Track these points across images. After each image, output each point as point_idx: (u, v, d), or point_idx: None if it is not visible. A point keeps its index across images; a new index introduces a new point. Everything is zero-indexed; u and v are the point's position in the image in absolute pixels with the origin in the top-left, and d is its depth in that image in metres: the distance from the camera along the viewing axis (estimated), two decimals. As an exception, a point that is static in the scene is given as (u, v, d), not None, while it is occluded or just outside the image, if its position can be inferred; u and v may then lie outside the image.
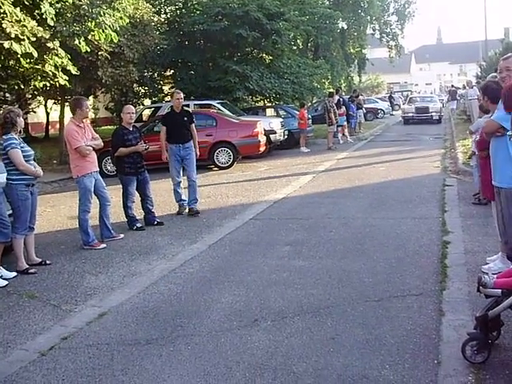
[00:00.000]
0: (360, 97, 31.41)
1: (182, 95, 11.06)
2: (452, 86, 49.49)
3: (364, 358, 4.46)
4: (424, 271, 6.41)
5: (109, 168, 16.23)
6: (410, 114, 33.95)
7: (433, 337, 4.76)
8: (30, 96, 23.10)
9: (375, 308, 5.44)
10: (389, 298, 5.66)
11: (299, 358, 4.52)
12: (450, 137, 22.35)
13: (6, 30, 12.59)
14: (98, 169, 8.82)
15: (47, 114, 28.98)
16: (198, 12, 26.75)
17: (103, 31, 15.47)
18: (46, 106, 28.05)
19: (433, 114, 33.48)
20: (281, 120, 21.97)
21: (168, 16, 27.62)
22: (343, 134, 24.47)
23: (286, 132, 21.61)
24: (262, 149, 18.34)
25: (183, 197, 10.91)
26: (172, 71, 28.05)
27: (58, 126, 24.87)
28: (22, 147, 7.35)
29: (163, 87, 28.53)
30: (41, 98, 25.57)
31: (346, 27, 43.45)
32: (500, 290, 4.26)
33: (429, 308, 5.36)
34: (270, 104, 29.20)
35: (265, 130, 18.82)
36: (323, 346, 4.72)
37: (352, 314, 5.35)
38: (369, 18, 44.05)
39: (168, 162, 10.97)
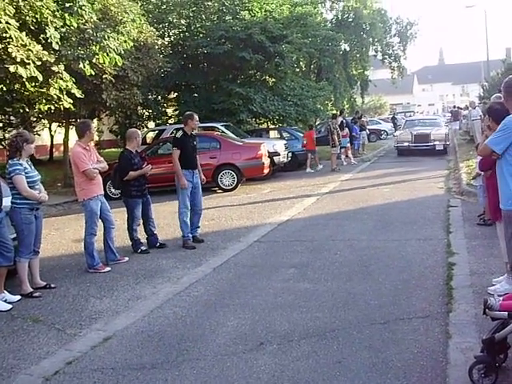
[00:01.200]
0: (363, 118, 31.52)
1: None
2: (454, 106, 49.61)
3: (371, 381, 4.44)
4: (430, 293, 6.39)
5: (113, 191, 16.24)
6: (406, 144, 25.86)
7: (440, 360, 4.73)
8: (35, 119, 23.22)
9: (381, 331, 5.41)
10: (395, 321, 5.64)
11: (305, 382, 4.50)
12: (453, 157, 22.35)
13: (12, 54, 12.70)
14: (103, 192, 8.84)
15: (51, 136, 29.05)
16: (201, 35, 26.95)
17: (107, 55, 15.59)
18: (50, 128, 28.14)
19: (436, 143, 25.26)
20: (284, 142, 22.04)
21: (172, 39, 27.82)
22: (346, 156, 24.51)
23: (290, 154, 21.65)
24: (266, 171, 18.36)
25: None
26: (176, 94, 28.21)
27: (62, 148, 24.95)
28: (26, 172, 7.37)
29: (167, 110, 28.65)
30: (45, 121, 25.66)
31: (348, 49, 43.67)
32: (506, 313, 4.24)
33: (435, 331, 5.34)
34: (273, 126, 29.31)
35: (268, 152, 18.84)
36: (329, 369, 4.69)
37: (358, 337, 5.32)
38: (371, 39, 44.27)
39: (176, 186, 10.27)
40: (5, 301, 7.03)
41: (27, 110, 17.74)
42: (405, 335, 5.27)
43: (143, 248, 9.65)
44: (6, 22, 12.49)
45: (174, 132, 21.59)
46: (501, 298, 4.39)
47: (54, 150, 29.66)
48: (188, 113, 10.64)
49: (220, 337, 5.57)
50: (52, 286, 7.77)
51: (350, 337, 5.33)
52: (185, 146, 10.05)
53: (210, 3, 26.93)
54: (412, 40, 47.22)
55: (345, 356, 4.92)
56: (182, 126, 10.52)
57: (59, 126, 26.09)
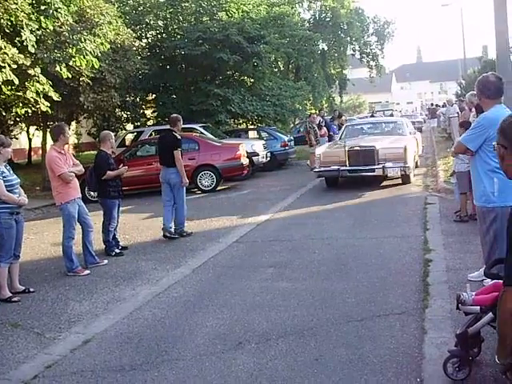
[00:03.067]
0: (342, 117, 31.67)
1: None
2: (432, 104, 49.98)
3: (348, 378, 4.50)
4: (406, 290, 6.47)
5: (92, 193, 16.20)
6: (335, 167, 14.99)
7: (415, 355, 4.80)
8: (12, 123, 23.09)
9: (358, 328, 5.48)
10: (372, 318, 5.71)
11: (283, 380, 4.55)
12: (431, 155, 22.54)
13: (-13, 57, 12.64)
14: (81, 195, 8.83)
15: (29, 140, 28.88)
16: (178, 36, 26.93)
17: (84, 57, 15.57)
18: (28, 132, 27.97)
19: (387, 164, 14.48)
20: (263, 142, 22.11)
21: (149, 41, 27.78)
22: (326, 155, 24.57)
23: (269, 154, 21.72)
24: (245, 171, 18.42)
25: None
26: (154, 95, 28.16)
27: (40, 152, 24.82)
28: (4, 176, 7.35)
29: (145, 111, 28.60)
30: (23, 125, 25.54)
31: (326, 48, 43.89)
32: (479, 307, 4.32)
33: (411, 326, 5.41)
34: (252, 126, 29.37)
35: (247, 153, 18.90)
36: (307, 367, 4.74)
37: (335, 334, 5.39)
38: (349, 38, 44.49)
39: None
40: (-17, 306, 7.01)
41: (4, 113, 17.67)
42: (381, 331, 5.34)
43: (117, 251, 9.66)
44: (-19, 26, 12.43)
45: (153, 134, 21.66)
46: (473, 293, 4.47)
47: (32, 153, 29.48)
48: (175, 115, 11.29)
49: (199, 337, 5.60)
50: (31, 290, 7.75)
51: (328, 334, 5.39)
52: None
53: (186, 4, 26.90)
54: (389, 39, 47.51)
55: (322, 353, 4.98)
56: (169, 127, 11.16)
57: (37, 129, 25.93)
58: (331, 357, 4.89)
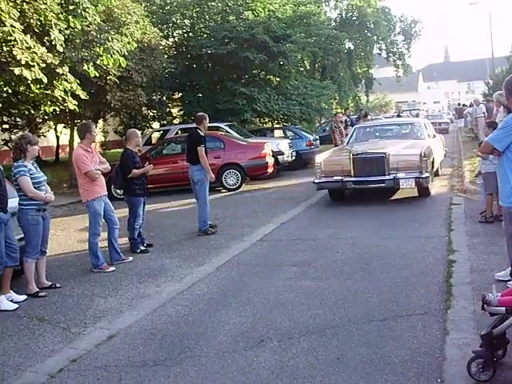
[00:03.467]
0: (368, 116, 31.55)
1: None
2: (459, 104, 49.56)
3: (369, 377, 4.51)
4: (429, 290, 6.46)
5: (118, 191, 16.38)
6: (338, 178, 12.80)
7: (437, 356, 4.80)
8: (40, 120, 23.39)
9: (380, 327, 5.49)
10: (394, 318, 5.71)
11: (304, 379, 4.58)
12: (457, 155, 22.37)
13: (17, 56, 12.83)
14: (107, 192, 8.94)
15: (57, 137, 29.22)
16: (205, 35, 27.03)
17: (111, 56, 15.74)
18: (56, 130, 28.30)
19: (400, 175, 12.32)
20: (288, 141, 22.11)
21: (176, 40, 27.95)
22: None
23: (294, 153, 21.73)
24: (270, 170, 18.45)
25: None
26: (180, 94, 28.32)
27: (67, 149, 25.12)
28: (31, 174, 7.48)
29: (172, 110, 28.77)
30: (51, 123, 25.84)
31: (352, 47, 43.78)
32: (504, 308, 4.31)
33: (433, 327, 5.41)
34: (277, 125, 29.39)
35: (272, 152, 18.94)
36: (328, 365, 4.77)
37: (357, 333, 5.40)
38: (375, 37, 44.35)
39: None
40: (11, 300, 7.15)
41: (32, 111, 17.93)
42: (403, 332, 5.34)
43: (142, 248, 9.75)
44: (11, 26, 12.63)
45: (179, 132, 21.81)
46: (499, 294, 4.46)
47: (59, 151, 29.82)
48: (201, 113, 11.51)
49: (221, 334, 5.66)
50: (57, 285, 7.88)
51: (349, 334, 5.41)
52: (205, 143, 11.04)
53: (213, 3, 27.01)
54: (416, 38, 47.30)
55: (343, 352, 5.00)
56: (194, 125, 11.37)
57: (65, 127, 26.24)
58: (352, 356, 4.91)
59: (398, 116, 48.54)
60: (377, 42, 45.58)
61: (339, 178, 12.63)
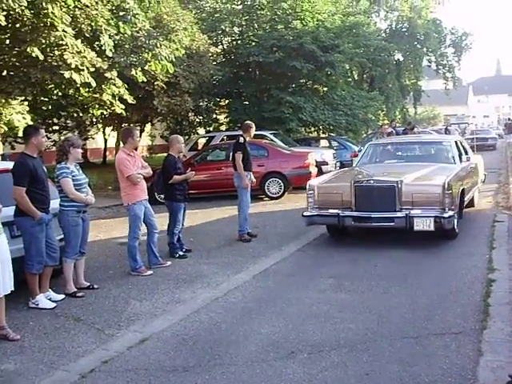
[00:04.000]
0: (415, 129, 31.20)
1: None
2: (509, 119, 48.63)
3: (397, 394, 4.47)
4: (465, 309, 6.35)
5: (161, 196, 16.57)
6: (333, 211, 10.01)
7: (468, 377, 4.71)
8: (89, 123, 23.86)
9: (413, 345, 5.42)
10: (427, 336, 5.63)
11: (332, 392, 4.56)
12: (504, 171, 21.96)
13: (67, 60, 13.12)
14: (148, 197, 9.05)
15: (105, 140, 29.73)
16: (253, 43, 27.18)
17: (159, 62, 15.94)
18: (104, 132, 28.80)
19: (414, 212, 9.45)
20: (333, 151, 22.03)
21: (224, 47, 28.21)
22: (396, 166, 24.27)
23: (338, 163, 21.63)
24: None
25: None
26: (227, 101, 28.51)
27: (114, 152, 25.53)
28: (73, 176, 7.63)
29: (218, 117, 28.98)
30: (99, 125, 26.32)
31: (401, 59, 43.44)
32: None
33: (467, 347, 5.31)
34: (323, 135, 29.32)
35: (316, 162, 18.88)
36: (357, 381, 4.73)
37: (389, 350, 5.34)
38: (425, 49, 43.91)
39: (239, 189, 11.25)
40: (50, 299, 7.29)
41: (81, 114, 18.31)
42: (436, 350, 5.26)
43: (180, 253, 9.83)
44: (63, 30, 12.92)
45: (225, 139, 21.98)
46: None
47: (107, 153, 30.33)
48: (248, 122, 11.81)
49: (252, 344, 5.67)
50: (95, 286, 8.00)
51: (381, 349, 5.36)
52: (246, 150, 11.17)
53: (262, 12, 27.16)
54: (467, 50, 46.63)
55: (373, 368, 4.96)
56: (241, 132, 11.71)
57: (112, 130, 26.71)
58: (382, 372, 4.86)
59: (446, 129, 48.12)
60: (426, 54, 45.11)
61: (335, 211, 9.85)
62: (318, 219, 10.24)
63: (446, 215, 9.24)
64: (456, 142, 12.48)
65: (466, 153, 12.63)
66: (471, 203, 12.71)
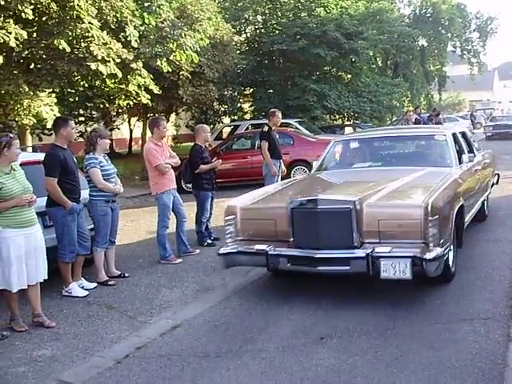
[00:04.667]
0: (440, 115, 30.98)
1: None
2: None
3: (426, 380, 4.51)
4: (494, 295, 6.36)
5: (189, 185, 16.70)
6: (259, 249, 6.59)
7: (498, 362, 4.74)
8: (115, 114, 24.07)
9: (442, 330, 5.46)
10: (456, 321, 5.66)
11: (362, 377, 4.62)
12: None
13: (94, 52, 13.28)
14: (176, 186, 9.15)
15: (130, 130, 29.94)
16: (276, 32, 27.19)
17: (184, 52, 16.03)
18: (129, 123, 29.01)
19: (380, 253, 6.01)
20: (358, 139, 21.94)
21: (248, 36, 28.24)
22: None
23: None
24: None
25: None
26: (251, 90, 28.56)
27: (140, 142, 25.75)
28: (102, 166, 7.75)
29: (242, 105, 29.03)
30: (125, 116, 26.53)
31: (425, 45, 43.06)
32: None
33: (496, 333, 5.33)
34: (347, 122, 29.24)
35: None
36: (387, 366, 4.79)
37: (418, 335, 5.39)
38: (449, 35, 43.49)
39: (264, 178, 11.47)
40: (82, 287, 7.43)
41: (107, 105, 18.53)
42: (465, 336, 5.30)
43: (209, 241, 9.92)
44: (89, 22, 13.06)
45: (250, 127, 22.04)
46: None
47: (133, 143, 30.55)
48: (273, 110, 11.90)
49: (283, 329, 5.75)
50: (126, 275, 8.13)
51: (410, 335, 5.40)
52: (271, 138, 11.31)
53: (285, 0, 27.10)
54: (492, 35, 46.10)
55: (403, 353, 5.00)
56: (266, 121, 11.90)
57: (138, 120, 26.90)
58: (412, 357, 4.91)
59: (472, 115, 47.69)
60: (451, 40, 44.68)
61: (263, 247, 6.57)
62: (242, 259, 6.85)
63: (429, 255, 5.85)
64: (454, 136, 9.09)
65: (471, 149, 9.67)
66: (481, 216, 9.83)
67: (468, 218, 7.97)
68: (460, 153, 8.76)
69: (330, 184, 8.13)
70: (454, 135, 9.09)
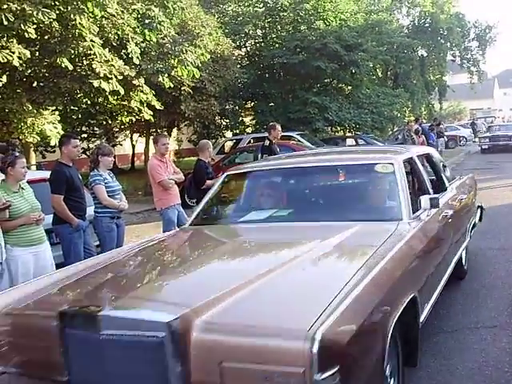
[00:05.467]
0: (441, 125, 31.07)
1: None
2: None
3: (434, 388, 4.55)
4: (499, 303, 6.40)
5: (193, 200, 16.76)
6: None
7: (505, 370, 4.77)
8: (117, 130, 24.21)
9: (448, 339, 5.50)
10: (462, 330, 5.70)
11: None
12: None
13: (96, 69, 13.38)
14: (180, 201, 9.22)
15: (133, 146, 30.07)
16: (277, 45, 27.39)
17: (185, 67, 16.14)
18: (131, 138, 29.15)
19: None
20: (359, 150, 22.03)
21: (248, 50, 28.43)
22: (423, 163, 24.17)
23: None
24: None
25: None
26: (252, 103, 28.71)
27: (143, 157, 25.86)
28: (106, 183, 7.83)
29: (244, 119, 29.16)
30: (127, 132, 26.67)
31: (425, 55, 43.24)
32: None
33: (503, 341, 5.37)
34: (349, 134, 29.36)
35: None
36: (394, 375, 4.82)
37: (424, 344, 5.39)
38: (448, 44, 43.64)
39: None
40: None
41: (110, 121, 18.65)
42: (471, 344, 5.34)
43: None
44: (91, 40, 13.17)
45: (252, 141, 22.15)
46: None
47: (135, 159, 30.67)
48: (272, 123, 11.94)
49: None
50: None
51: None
52: (272, 152, 11.16)
53: (285, 14, 27.32)
54: (491, 43, 46.24)
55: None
56: (266, 134, 11.88)
57: (140, 136, 27.04)
58: (418, 366, 4.92)
59: (473, 124, 47.79)
60: (450, 49, 44.81)
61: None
62: None
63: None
64: (410, 163, 6.08)
65: (439, 181, 6.88)
66: (459, 273, 7.03)
67: (427, 312, 4.92)
68: (418, 192, 5.95)
69: (156, 271, 4.55)
70: (409, 163, 6.03)
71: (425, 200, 5.12)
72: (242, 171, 6.59)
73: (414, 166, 6.13)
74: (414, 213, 5.11)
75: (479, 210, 8.42)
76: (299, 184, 6.47)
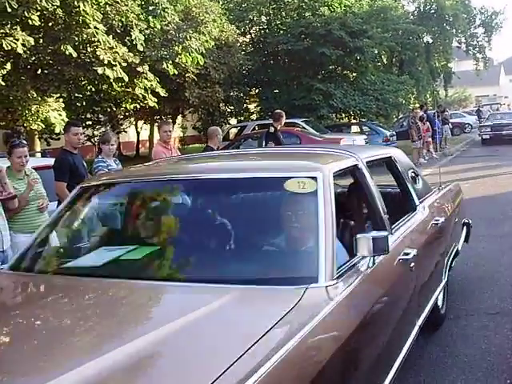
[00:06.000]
0: (445, 112, 30.92)
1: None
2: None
3: (436, 375, 4.57)
4: (502, 290, 6.41)
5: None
6: None
7: (508, 356, 4.79)
8: (122, 117, 24.19)
9: (451, 326, 5.51)
10: (465, 317, 5.72)
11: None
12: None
13: (100, 57, 13.41)
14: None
15: (137, 133, 30.04)
16: (281, 32, 27.28)
17: (190, 54, 16.15)
18: (136, 125, 29.11)
19: None
20: (364, 137, 21.99)
21: (252, 36, 28.32)
22: (428, 150, 24.14)
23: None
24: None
25: None
26: (257, 90, 28.65)
27: (147, 144, 25.88)
28: (109, 169, 7.83)
29: (249, 106, 29.11)
30: (131, 119, 26.65)
31: (430, 41, 42.93)
32: None
33: (505, 327, 5.39)
34: (354, 121, 29.28)
35: (348, 148, 18.85)
36: (397, 362, 4.84)
37: (427, 331, 5.42)
38: (454, 31, 43.30)
39: None
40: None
41: (114, 108, 18.65)
42: (474, 331, 5.35)
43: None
44: (95, 27, 13.18)
45: (256, 128, 22.12)
46: None
47: (140, 146, 30.66)
48: (278, 111, 12.03)
49: None
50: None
51: (420, 331, 5.44)
52: (277, 139, 11.40)
53: (289, 0, 27.17)
54: (498, 30, 45.90)
55: (412, 350, 5.04)
56: (271, 122, 11.90)
57: (145, 123, 27.02)
58: (421, 353, 4.96)
59: (478, 111, 47.53)
60: (456, 35, 44.46)
61: None
62: None
63: None
64: (353, 174, 4.22)
65: (406, 195, 5.04)
66: (435, 319, 5.28)
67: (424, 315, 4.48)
68: (359, 224, 4.19)
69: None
70: (351, 174, 4.20)
71: (363, 242, 3.09)
72: (98, 183, 4.59)
73: (360, 180, 4.07)
74: (344, 264, 3.13)
75: (465, 229, 6.63)
76: (161, 208, 4.18)
